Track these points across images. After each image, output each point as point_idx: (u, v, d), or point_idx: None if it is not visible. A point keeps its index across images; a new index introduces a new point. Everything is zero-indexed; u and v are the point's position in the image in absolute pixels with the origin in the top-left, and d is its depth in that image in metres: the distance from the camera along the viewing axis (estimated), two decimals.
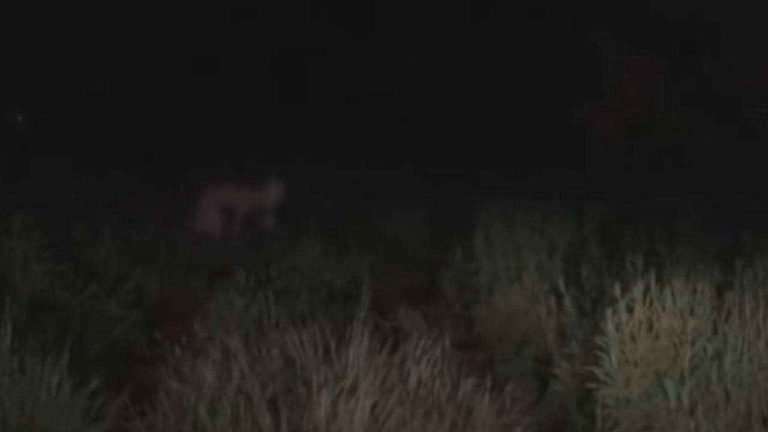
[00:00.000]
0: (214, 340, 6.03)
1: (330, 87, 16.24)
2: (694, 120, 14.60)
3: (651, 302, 6.23)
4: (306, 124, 15.78)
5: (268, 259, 9.57)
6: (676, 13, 14.19)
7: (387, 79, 15.94)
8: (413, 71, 15.91)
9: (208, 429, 5.37)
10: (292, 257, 9.76)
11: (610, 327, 6.18)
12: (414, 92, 15.84)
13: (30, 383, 5.57)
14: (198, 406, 5.45)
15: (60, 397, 5.60)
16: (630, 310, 6.20)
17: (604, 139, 14.94)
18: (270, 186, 12.34)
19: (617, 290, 6.24)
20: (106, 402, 5.65)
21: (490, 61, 15.70)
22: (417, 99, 15.78)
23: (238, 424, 5.34)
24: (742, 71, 14.12)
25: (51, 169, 13.08)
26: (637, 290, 6.20)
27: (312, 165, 13.07)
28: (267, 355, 5.91)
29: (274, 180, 12.33)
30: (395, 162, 14.49)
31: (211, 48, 15.89)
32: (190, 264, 10.42)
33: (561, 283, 7.43)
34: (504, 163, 14.02)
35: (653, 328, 6.18)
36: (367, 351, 5.73)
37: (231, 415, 5.37)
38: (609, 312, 6.21)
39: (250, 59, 16.07)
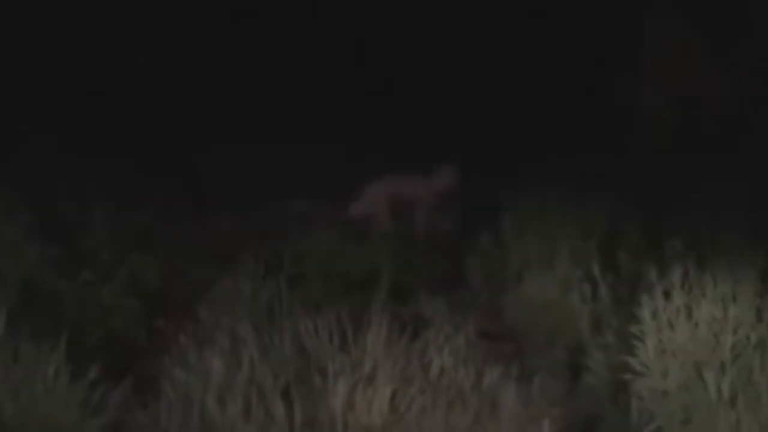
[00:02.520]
0: (222, 327, 6.13)
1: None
2: (741, 99, 14.59)
3: (690, 288, 6.29)
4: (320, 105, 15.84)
5: (280, 244, 9.65)
6: None
7: (414, 58, 16.00)
8: (438, 50, 15.96)
9: (217, 420, 5.45)
10: (309, 242, 9.81)
11: (646, 314, 6.24)
12: (444, 71, 15.90)
13: (25, 373, 5.65)
14: (206, 396, 5.53)
15: (57, 388, 5.68)
16: (668, 295, 6.26)
17: (645, 118, 14.94)
18: (443, 175, 12.14)
19: (654, 275, 6.30)
20: (107, 392, 5.74)
21: (523, 35, 15.74)
22: (446, 78, 15.85)
23: (249, 415, 5.42)
24: None
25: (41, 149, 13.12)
26: (675, 275, 6.26)
27: (328, 146, 13.10)
28: (279, 342, 6.01)
29: (447, 169, 12.13)
30: (419, 142, 14.55)
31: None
32: (196, 249, 10.48)
33: (596, 270, 7.48)
34: (536, 143, 14.04)
35: (692, 315, 6.24)
36: (386, 338, 5.82)
37: (242, 405, 5.45)
38: (645, 298, 6.28)
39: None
